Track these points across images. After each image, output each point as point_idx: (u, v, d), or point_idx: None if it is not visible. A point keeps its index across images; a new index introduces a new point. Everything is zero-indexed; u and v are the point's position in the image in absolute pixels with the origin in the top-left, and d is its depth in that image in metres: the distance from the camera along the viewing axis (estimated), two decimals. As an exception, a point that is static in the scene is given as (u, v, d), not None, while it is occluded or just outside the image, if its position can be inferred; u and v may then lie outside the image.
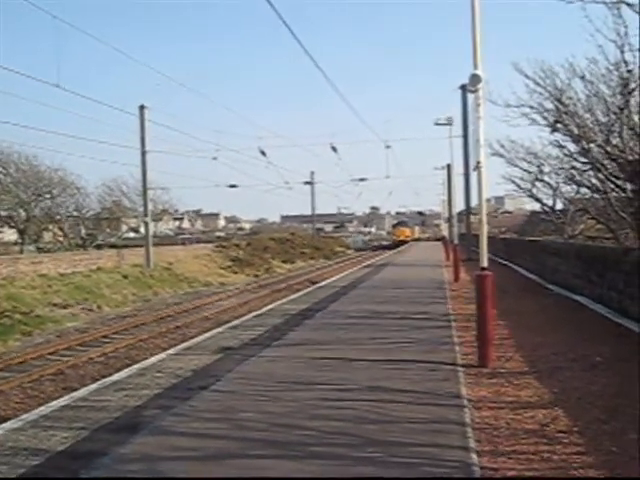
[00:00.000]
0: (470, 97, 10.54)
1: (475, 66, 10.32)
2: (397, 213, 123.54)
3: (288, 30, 13.51)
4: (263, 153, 42.76)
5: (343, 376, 9.83)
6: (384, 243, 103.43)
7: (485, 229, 10.79)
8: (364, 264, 46.15)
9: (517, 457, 6.37)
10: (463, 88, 36.30)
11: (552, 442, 6.78)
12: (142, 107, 39.75)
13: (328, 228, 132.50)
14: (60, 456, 6.68)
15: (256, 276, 50.06)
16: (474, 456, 6.32)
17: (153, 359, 12.29)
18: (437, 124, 25.52)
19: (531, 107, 22.28)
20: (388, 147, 44.45)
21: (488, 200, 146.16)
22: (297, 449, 6.52)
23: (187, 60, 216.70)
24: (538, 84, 21.79)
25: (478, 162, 10.39)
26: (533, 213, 57.58)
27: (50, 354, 19.16)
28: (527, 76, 22.04)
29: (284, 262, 61.46)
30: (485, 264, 10.67)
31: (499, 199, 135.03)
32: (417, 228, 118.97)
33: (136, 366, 11.68)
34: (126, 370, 11.34)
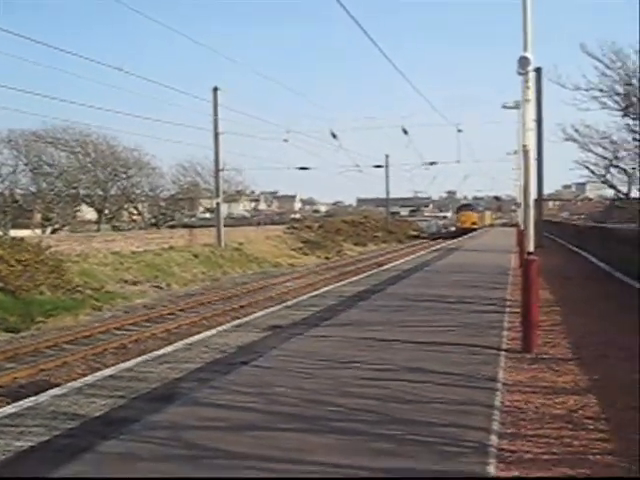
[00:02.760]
0: (519, 79, 10.38)
1: (525, 48, 10.22)
2: (474, 198, 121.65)
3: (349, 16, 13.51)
4: (334, 136, 42.84)
5: (384, 356, 9.93)
6: (452, 229, 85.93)
7: (532, 214, 10.72)
8: (433, 248, 45.92)
9: (537, 441, 6.36)
10: (537, 71, 35.61)
11: (577, 428, 6.74)
12: (215, 89, 40.37)
13: (404, 212, 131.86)
14: (95, 421, 7.00)
15: (327, 258, 50.38)
16: (494, 437, 6.35)
17: (202, 335, 12.63)
18: (505, 107, 25.07)
19: (601, 90, 21.76)
20: (460, 131, 43.97)
21: (568, 186, 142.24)
22: (320, 424, 6.67)
23: (251, 44, 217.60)
24: (608, 67, 21.23)
25: (524, 146, 10.30)
26: (612, 200, 56.24)
27: (116, 329, 19.82)
28: (597, 59, 21.50)
29: (356, 245, 61.70)
30: (531, 249, 10.59)
31: (580, 185, 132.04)
32: (488, 213, 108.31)
33: (184, 341, 12.04)
34: (173, 345, 11.69)
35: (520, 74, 10.28)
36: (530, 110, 10.30)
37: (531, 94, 10.26)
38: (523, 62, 10.16)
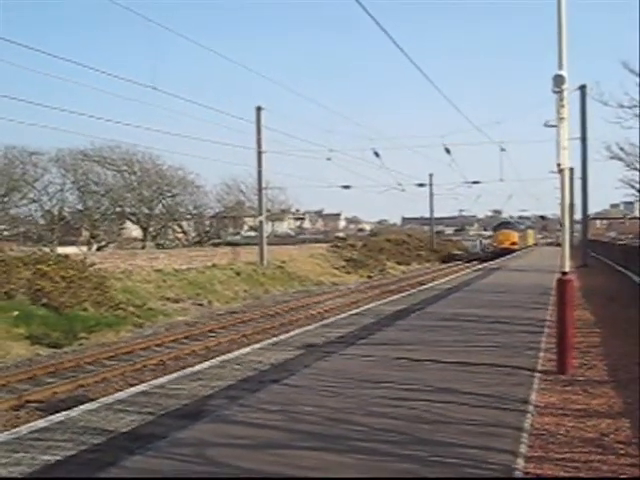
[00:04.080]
0: (554, 97, 10.30)
1: (560, 66, 10.15)
2: (519, 217, 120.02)
3: (388, 37, 13.54)
4: (377, 154, 42.83)
5: (415, 376, 9.86)
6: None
7: (567, 234, 10.59)
8: (476, 267, 45.52)
9: (565, 465, 6.26)
10: (582, 89, 35.27)
11: (607, 452, 6.62)
12: (259, 108, 40.70)
13: (449, 231, 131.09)
14: (122, 437, 7.07)
15: (369, 277, 50.26)
16: (520, 461, 6.26)
17: (237, 352, 12.70)
18: (547, 126, 24.73)
19: (646, 108, 21.43)
20: (503, 150, 43.62)
21: (617, 205, 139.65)
22: (342, 443, 6.65)
23: (290, 63, 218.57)
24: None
25: (558, 165, 10.18)
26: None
27: (157, 345, 20.01)
28: (640, 75, 21.19)
29: (399, 264, 61.38)
30: (567, 269, 10.46)
31: (628, 205, 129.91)
32: (531, 231, 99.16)
33: (219, 358, 12.11)
34: (208, 362, 11.76)
35: (555, 92, 10.19)
36: (565, 129, 10.18)
37: (566, 112, 10.17)
38: (558, 80, 10.08)
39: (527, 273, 35.58)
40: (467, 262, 65.96)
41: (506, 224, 79.50)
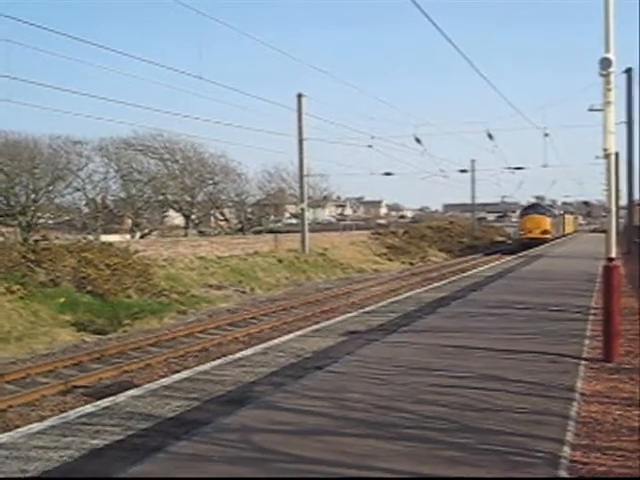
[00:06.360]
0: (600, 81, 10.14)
1: (607, 49, 9.97)
2: (563, 203, 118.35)
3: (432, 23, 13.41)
4: (418, 141, 42.58)
5: (460, 363, 9.82)
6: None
7: (613, 219, 10.43)
8: (519, 254, 45.01)
9: (613, 453, 6.18)
10: (628, 72, 34.54)
11: (656, 441, 6.53)
12: (300, 95, 40.75)
13: (491, 217, 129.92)
14: (168, 422, 7.14)
15: (411, 264, 50.11)
16: (567, 449, 6.20)
17: (280, 339, 12.76)
18: (591, 110, 24.34)
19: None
20: (546, 135, 43.00)
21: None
22: (390, 430, 6.65)
23: (333, 51, 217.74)
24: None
25: (605, 150, 10.02)
26: None
27: (199, 332, 20.17)
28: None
29: (441, 251, 61.03)
30: (613, 255, 10.30)
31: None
32: (570, 217, 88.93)
33: (262, 345, 12.18)
34: (251, 349, 11.83)
35: (602, 76, 10.02)
36: (612, 113, 10.02)
37: (613, 96, 10.00)
38: (605, 63, 9.91)
39: (570, 260, 35.19)
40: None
41: (536, 207, 64.66)
